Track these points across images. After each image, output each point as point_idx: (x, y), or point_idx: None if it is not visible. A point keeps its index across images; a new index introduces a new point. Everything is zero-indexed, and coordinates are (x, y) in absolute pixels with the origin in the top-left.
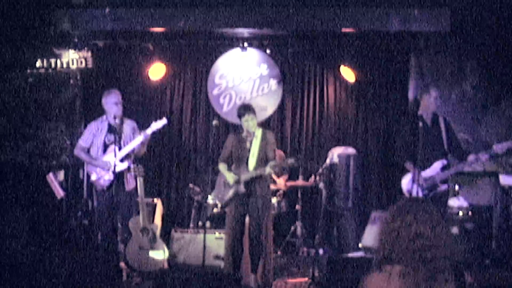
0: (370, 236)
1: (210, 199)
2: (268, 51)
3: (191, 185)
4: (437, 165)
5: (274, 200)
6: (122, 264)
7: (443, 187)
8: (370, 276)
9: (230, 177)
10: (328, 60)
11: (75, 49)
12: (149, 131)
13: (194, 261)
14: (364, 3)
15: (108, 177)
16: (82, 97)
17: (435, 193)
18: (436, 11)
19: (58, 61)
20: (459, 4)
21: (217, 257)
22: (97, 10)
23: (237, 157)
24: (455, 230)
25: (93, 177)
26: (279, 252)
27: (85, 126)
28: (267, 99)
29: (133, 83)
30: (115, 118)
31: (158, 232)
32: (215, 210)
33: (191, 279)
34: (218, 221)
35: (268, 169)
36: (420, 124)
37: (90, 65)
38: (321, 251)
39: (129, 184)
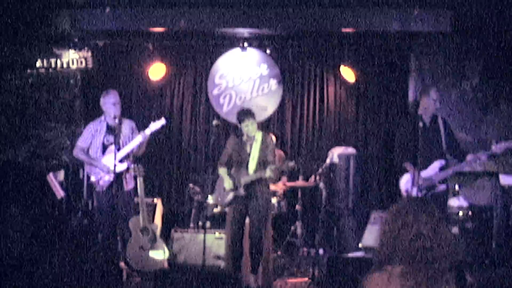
0: (370, 236)
1: (210, 199)
2: (268, 51)
3: (191, 185)
4: (435, 165)
5: (274, 200)
6: (122, 264)
7: (441, 187)
8: (371, 276)
9: (227, 183)
10: (328, 60)
11: (75, 49)
12: (147, 131)
13: (194, 261)
14: (364, 3)
15: (107, 177)
16: (82, 97)
17: (433, 193)
18: (436, 11)
19: (58, 61)
20: (459, 4)
21: (217, 257)
22: (97, 10)
23: (237, 160)
24: (455, 230)
25: (93, 178)
26: (279, 252)
27: (85, 126)
28: (267, 99)
29: (133, 83)
30: (115, 118)
31: (158, 232)
32: (215, 210)
33: (191, 279)
34: (218, 221)
35: (268, 172)
36: (420, 124)
37: (90, 65)
38: (321, 251)
39: (128, 184)
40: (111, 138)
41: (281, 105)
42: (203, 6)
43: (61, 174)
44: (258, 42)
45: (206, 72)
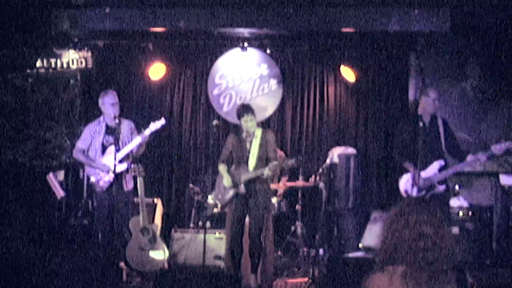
0: (370, 236)
1: (210, 199)
2: (268, 51)
3: (191, 185)
4: (435, 166)
5: (274, 200)
6: (122, 264)
7: (441, 187)
8: (372, 276)
9: (226, 180)
10: (328, 60)
11: (75, 49)
12: (147, 132)
13: (194, 261)
14: (364, 3)
15: (107, 178)
16: (82, 97)
17: (433, 194)
18: (436, 11)
19: (58, 61)
20: (459, 4)
21: (217, 257)
22: (97, 10)
23: (237, 157)
24: (455, 230)
25: (93, 179)
26: (279, 252)
27: (85, 126)
28: (267, 99)
29: (133, 83)
30: (114, 118)
31: (158, 232)
32: (215, 210)
33: (191, 279)
34: (218, 221)
35: (266, 171)
36: (420, 124)
37: (90, 65)
38: (321, 251)
39: (128, 185)
40: (110, 139)
41: (281, 105)
42: (203, 6)
43: (61, 174)
44: (258, 42)
45: (206, 72)
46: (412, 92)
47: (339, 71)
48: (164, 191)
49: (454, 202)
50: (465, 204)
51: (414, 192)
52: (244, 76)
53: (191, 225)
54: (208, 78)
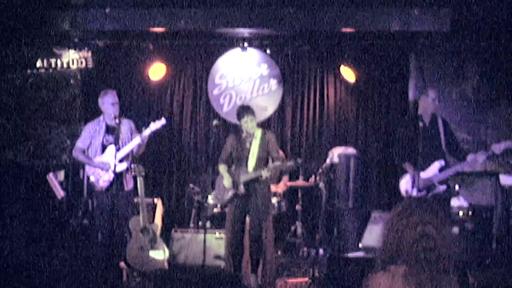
0: (370, 236)
1: (210, 199)
2: (268, 51)
3: (191, 185)
4: (435, 166)
5: (274, 200)
6: (122, 264)
7: (441, 188)
8: (374, 276)
9: (227, 181)
10: (328, 60)
11: (75, 49)
12: (146, 132)
13: (194, 261)
14: (364, 3)
15: (107, 177)
16: (82, 97)
17: (433, 194)
18: (436, 11)
19: (58, 61)
20: (459, 4)
21: (217, 257)
22: (97, 10)
23: (237, 157)
24: (455, 230)
25: (92, 178)
26: (279, 252)
27: (86, 125)
28: (267, 99)
29: (133, 83)
30: (115, 118)
31: (158, 232)
32: (215, 210)
33: (191, 279)
34: (218, 221)
35: (265, 172)
36: (420, 124)
37: (90, 65)
38: (321, 251)
39: (128, 184)
40: (110, 138)
41: (281, 105)
42: (203, 6)
43: (61, 174)
44: (258, 42)
45: (206, 72)
46: (412, 92)
47: (339, 71)
48: (164, 191)
49: (454, 202)
50: (465, 204)
51: (415, 193)
52: (244, 76)
53: (191, 225)
54: (208, 78)
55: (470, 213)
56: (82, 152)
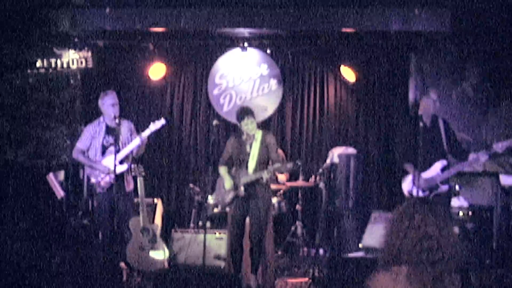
0: (370, 236)
1: (210, 199)
2: (268, 51)
3: (191, 185)
4: (437, 166)
5: (274, 200)
6: (122, 264)
7: (444, 187)
8: (377, 276)
9: (228, 183)
10: (328, 60)
11: (75, 49)
12: (146, 133)
13: (194, 261)
14: (364, 3)
15: (108, 178)
16: (82, 97)
17: (436, 194)
18: (436, 11)
19: (58, 61)
20: (459, 4)
21: (217, 257)
22: (97, 10)
23: (237, 159)
24: (455, 230)
25: (93, 180)
26: (279, 252)
27: (85, 126)
28: (267, 99)
29: (133, 83)
30: (115, 118)
31: (158, 232)
32: (215, 210)
33: (191, 279)
34: (218, 221)
35: (265, 175)
36: (421, 124)
37: (90, 65)
38: (321, 251)
39: (129, 185)
40: (110, 139)
41: (281, 105)
42: (203, 6)
43: (61, 174)
44: (258, 42)
45: (206, 72)
46: (412, 92)
47: (339, 71)
48: (164, 191)
49: (454, 202)
50: (465, 204)
51: (418, 193)
52: (244, 76)
53: (191, 225)
54: (208, 78)
55: (470, 213)
56: (82, 153)
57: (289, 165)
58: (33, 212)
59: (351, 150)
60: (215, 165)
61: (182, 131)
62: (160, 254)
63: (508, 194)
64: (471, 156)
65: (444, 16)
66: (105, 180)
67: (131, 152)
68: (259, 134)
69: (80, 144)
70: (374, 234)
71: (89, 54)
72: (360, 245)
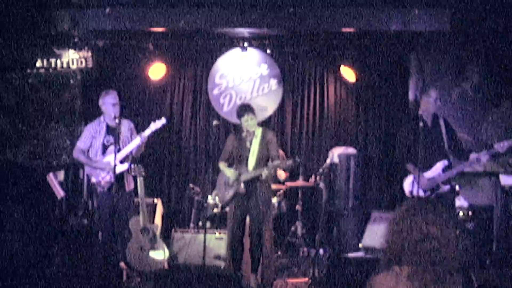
0: (370, 236)
1: (210, 199)
2: (268, 51)
3: (191, 185)
4: (438, 166)
5: (274, 200)
6: (122, 264)
7: (445, 187)
8: (378, 277)
9: (230, 173)
10: (328, 60)
11: (75, 49)
12: (146, 132)
13: (194, 261)
14: (364, 3)
15: (108, 178)
16: (82, 97)
17: (437, 194)
18: (436, 11)
19: (58, 61)
20: (459, 4)
21: (217, 257)
22: (97, 10)
23: (237, 156)
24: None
25: (93, 179)
26: (279, 252)
27: (85, 126)
28: (267, 99)
29: (133, 83)
30: (115, 118)
31: (158, 232)
32: (215, 210)
33: (191, 279)
34: (218, 221)
35: (265, 172)
36: (421, 124)
37: (90, 65)
38: (321, 251)
39: (130, 185)
40: (111, 139)
41: (281, 105)
42: (203, 6)
43: (61, 174)
44: (258, 42)
45: (206, 72)
46: (412, 92)
47: (339, 71)
48: (164, 191)
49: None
50: (465, 204)
51: (420, 193)
52: (244, 76)
53: (191, 225)
54: (208, 78)
55: (470, 213)
56: (83, 152)
57: (289, 161)
58: (33, 212)
59: (351, 150)
60: (215, 164)
61: (182, 131)
62: (160, 254)
63: (508, 194)
64: (472, 156)
65: (444, 16)
66: (105, 179)
67: (131, 152)
68: (259, 131)
69: (81, 144)
70: (374, 234)
71: (89, 54)
72: (360, 245)
